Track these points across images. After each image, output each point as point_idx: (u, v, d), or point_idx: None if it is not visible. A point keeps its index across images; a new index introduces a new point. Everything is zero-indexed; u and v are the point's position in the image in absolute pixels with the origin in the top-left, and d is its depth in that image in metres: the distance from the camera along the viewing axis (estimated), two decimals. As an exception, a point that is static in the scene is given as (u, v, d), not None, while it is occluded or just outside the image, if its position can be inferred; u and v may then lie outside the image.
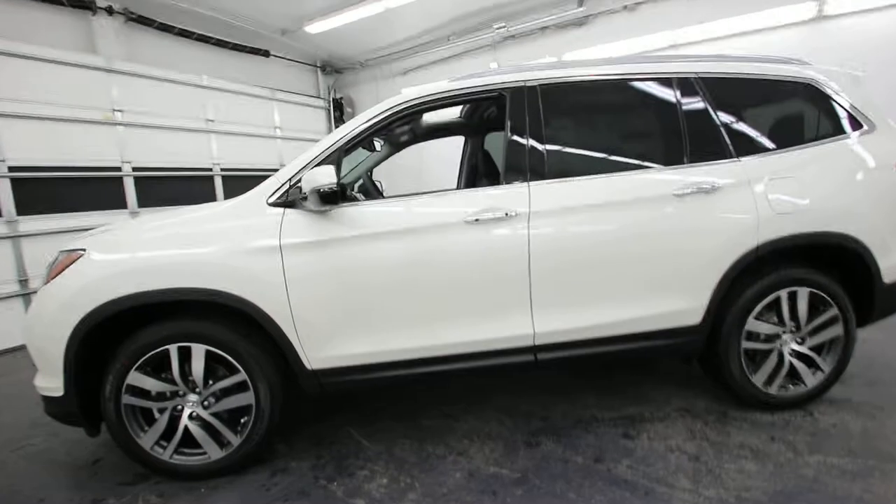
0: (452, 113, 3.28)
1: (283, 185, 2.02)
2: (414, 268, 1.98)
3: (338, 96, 8.15)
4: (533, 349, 2.07)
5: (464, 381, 2.81)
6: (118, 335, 1.95)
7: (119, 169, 5.08)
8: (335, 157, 2.05)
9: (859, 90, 2.39)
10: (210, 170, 6.01)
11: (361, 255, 1.96)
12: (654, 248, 2.06)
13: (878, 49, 4.39)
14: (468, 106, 3.09)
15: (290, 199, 1.99)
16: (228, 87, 6.13)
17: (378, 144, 3.21)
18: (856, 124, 2.31)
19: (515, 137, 2.10)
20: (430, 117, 3.10)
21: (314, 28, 6.08)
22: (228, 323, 1.96)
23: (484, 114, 3.17)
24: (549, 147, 2.10)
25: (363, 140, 2.14)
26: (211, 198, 5.83)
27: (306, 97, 7.61)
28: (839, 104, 2.32)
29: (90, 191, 4.86)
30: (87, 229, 4.55)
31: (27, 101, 4.30)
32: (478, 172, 3.53)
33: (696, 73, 2.24)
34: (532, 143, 2.09)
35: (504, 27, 6.10)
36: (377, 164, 3.27)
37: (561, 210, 2.02)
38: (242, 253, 1.89)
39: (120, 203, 5.12)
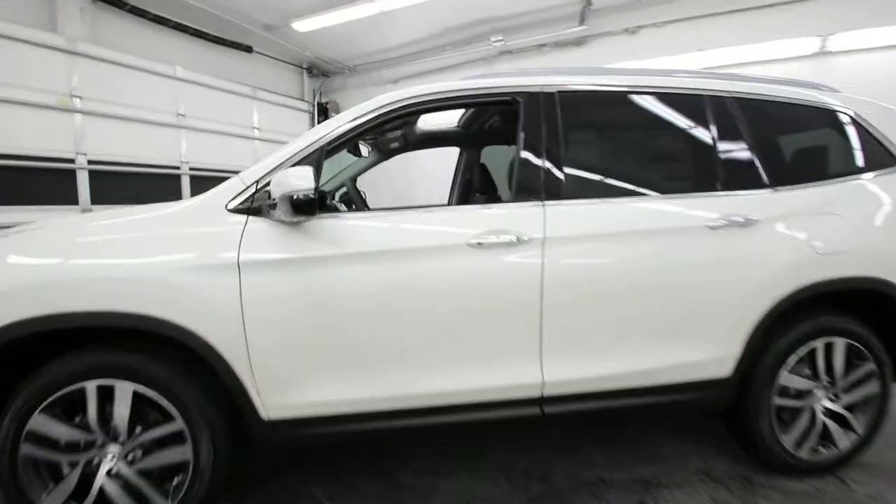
0: (449, 120, 2.97)
1: (248, 186, 1.65)
2: (404, 297, 1.63)
3: (323, 100, 7.79)
4: (540, 401, 1.74)
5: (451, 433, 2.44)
6: (23, 365, 1.53)
7: (72, 161, 4.56)
8: (315, 158, 1.69)
9: (893, 122, 2.20)
10: (177, 168, 5.53)
11: (340, 278, 1.60)
12: (686, 287, 1.78)
13: (878, 89, 4.33)
14: (467, 114, 2.79)
15: (255, 204, 1.62)
16: (204, 80, 5.69)
17: (365, 149, 2.86)
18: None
19: (529, 149, 1.80)
20: (424, 123, 2.78)
21: (302, 26, 5.74)
22: (165, 356, 1.56)
23: (485, 124, 2.88)
24: (567, 163, 1.79)
25: (350, 140, 1.80)
26: (176, 198, 5.34)
27: (290, 98, 7.22)
28: (877, 136, 2.11)
29: (37, 183, 4.32)
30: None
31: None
32: (472, 188, 3.23)
33: (730, 92, 2.00)
34: (548, 157, 1.78)
35: (501, 41, 5.90)
36: (363, 171, 2.92)
37: (582, 237, 1.71)
38: (188, 269, 1.51)
39: (71, 198, 4.59)
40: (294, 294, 1.57)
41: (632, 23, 5.41)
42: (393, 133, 2.76)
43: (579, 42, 5.73)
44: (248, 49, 6.46)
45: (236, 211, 1.61)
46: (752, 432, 1.95)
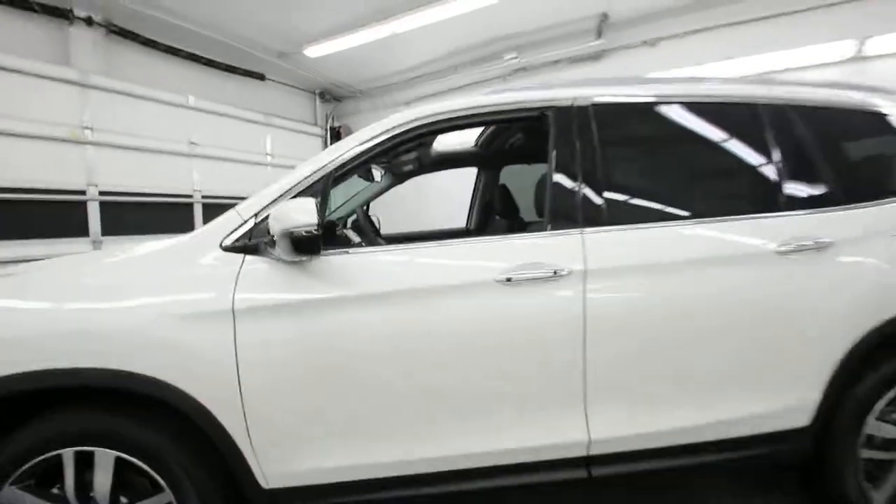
0: (466, 139, 2.79)
1: (245, 221, 1.46)
2: (424, 344, 1.41)
3: (336, 125, 7.75)
4: (585, 461, 1.48)
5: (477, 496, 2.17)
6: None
7: (83, 192, 4.51)
8: (321, 187, 1.51)
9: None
10: (190, 197, 5.46)
11: (350, 325, 1.39)
12: (755, 323, 1.52)
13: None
14: (487, 132, 2.61)
15: (253, 241, 1.43)
16: (217, 109, 5.67)
17: (377, 173, 2.69)
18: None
19: (563, 169, 1.58)
20: (440, 143, 2.60)
21: (314, 51, 5.70)
22: (151, 419, 1.36)
23: (506, 142, 2.69)
24: (607, 184, 1.57)
25: (361, 165, 1.61)
26: (188, 227, 5.26)
27: (302, 124, 7.19)
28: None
29: (47, 215, 4.27)
30: (35, 260, 3.95)
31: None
32: (493, 210, 3.03)
33: (789, 100, 1.76)
34: (585, 177, 1.57)
35: (515, 58, 5.77)
36: (374, 196, 2.74)
37: (629, 269, 1.48)
38: (174, 318, 1.31)
39: (82, 230, 4.53)
40: (298, 344, 1.36)
41: (651, 35, 5.22)
42: (407, 155, 2.59)
43: (597, 56, 5.55)
44: (261, 77, 6.46)
45: (232, 249, 1.43)
46: (834, 490, 1.66)
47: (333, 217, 2.56)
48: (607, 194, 1.56)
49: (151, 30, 5.09)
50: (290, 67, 6.28)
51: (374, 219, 3.01)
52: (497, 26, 5.37)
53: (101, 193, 4.62)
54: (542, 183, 1.81)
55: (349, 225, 2.83)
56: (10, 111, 3.99)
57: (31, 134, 4.13)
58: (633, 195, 1.62)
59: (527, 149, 2.72)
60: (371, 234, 2.23)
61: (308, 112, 7.56)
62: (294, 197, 1.47)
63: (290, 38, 5.55)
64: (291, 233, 1.27)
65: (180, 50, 5.47)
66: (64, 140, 4.33)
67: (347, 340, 1.38)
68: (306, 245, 1.29)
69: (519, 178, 3.03)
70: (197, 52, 5.65)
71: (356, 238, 2.27)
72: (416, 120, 1.61)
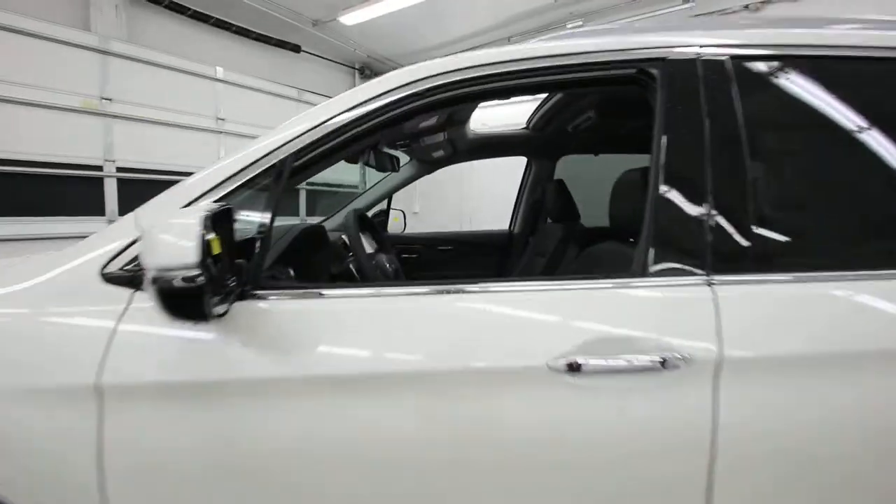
0: (511, 118, 2.13)
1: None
2: (423, 470, 0.81)
3: (376, 103, 7.22)
4: None
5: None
6: None
7: (101, 168, 4.23)
8: (269, 180, 0.93)
9: None
10: (215, 176, 5.14)
11: (287, 426, 0.81)
12: None
13: None
14: (543, 106, 1.93)
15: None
16: (247, 82, 5.26)
17: (390, 158, 2.08)
18: None
19: (677, 168, 0.91)
20: (479, 122, 1.96)
21: (350, 18, 5.14)
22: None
23: (569, 121, 2.00)
24: (760, 198, 0.88)
25: (344, 147, 1.02)
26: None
27: (340, 101, 6.72)
28: None
29: (61, 192, 4.02)
30: (50, 238, 3.67)
31: (-15, 78, 3.51)
32: (543, 213, 2.36)
33: None
34: (719, 184, 0.88)
35: (581, 27, 4.96)
36: (390, 192, 2.15)
37: (806, 360, 0.80)
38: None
39: (98, 209, 4.27)
40: (202, 451, 0.80)
41: (754, -4, 4.26)
42: (431, 136, 1.96)
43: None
44: (296, 48, 5.99)
45: (117, 280, 0.87)
46: None
47: (338, 219, 1.99)
48: (761, 219, 0.87)
49: (178, -7, 4.71)
50: (327, 37, 5.76)
51: (397, 216, 2.42)
52: (560, -12, 4.59)
53: (119, 170, 4.34)
54: (627, 183, 1.16)
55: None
56: (25, 79, 3.72)
57: (47, 103, 3.86)
58: (811, 222, 0.91)
59: (598, 130, 2.02)
60: (365, 258, 1.44)
61: (346, 88, 7.06)
62: (220, 199, 0.91)
63: (325, 3, 5.01)
64: (157, 278, 0.69)
65: (209, 16, 5.06)
66: (81, 111, 4.05)
67: (282, 451, 0.80)
68: (178, 303, 0.70)
69: (582, 171, 2.35)
70: (227, 20, 5.24)
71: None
72: (434, 77, 0.98)
